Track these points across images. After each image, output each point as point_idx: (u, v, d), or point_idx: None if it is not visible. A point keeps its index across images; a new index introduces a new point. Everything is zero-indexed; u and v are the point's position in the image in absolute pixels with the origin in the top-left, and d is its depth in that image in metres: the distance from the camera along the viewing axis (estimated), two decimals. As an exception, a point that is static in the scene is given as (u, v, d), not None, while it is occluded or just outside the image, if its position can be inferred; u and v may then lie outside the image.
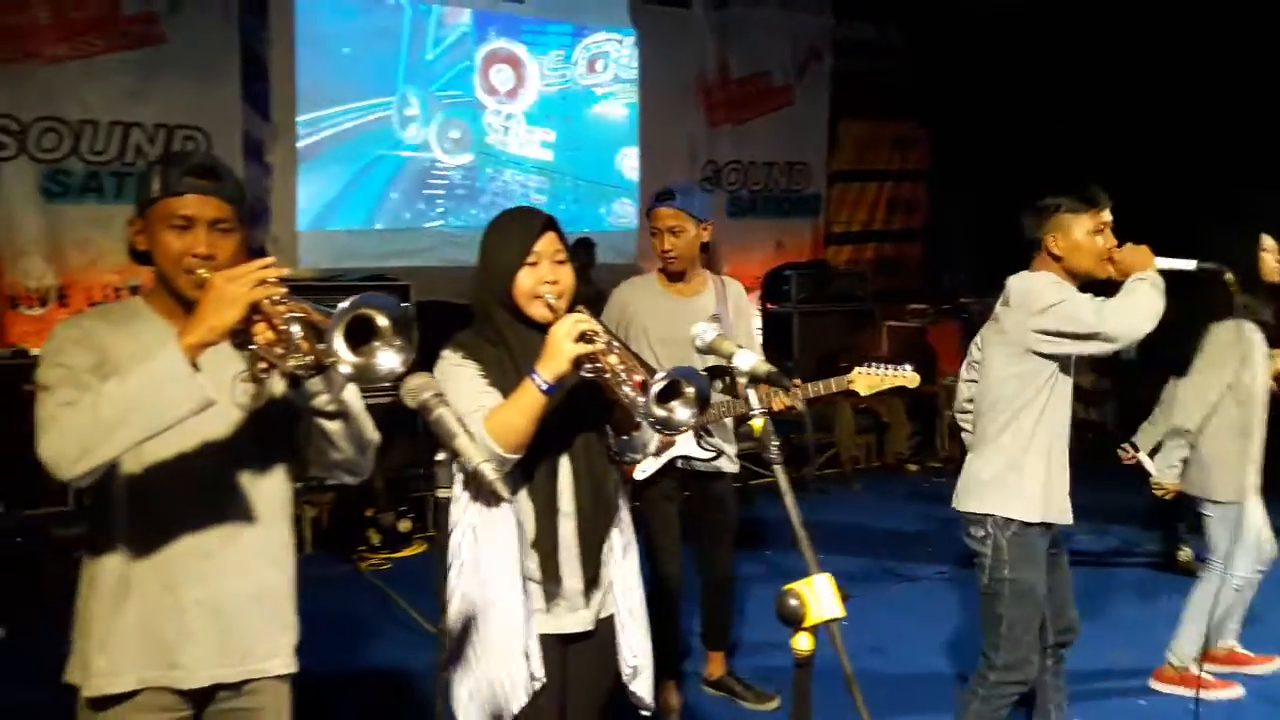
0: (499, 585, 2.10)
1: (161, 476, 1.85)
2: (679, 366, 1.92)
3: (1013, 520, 2.81)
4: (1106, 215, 2.79)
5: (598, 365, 1.96)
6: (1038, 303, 2.73)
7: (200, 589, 1.89)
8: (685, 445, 3.44)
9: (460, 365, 2.11)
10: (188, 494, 1.88)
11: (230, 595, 1.92)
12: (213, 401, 1.68)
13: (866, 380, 3.49)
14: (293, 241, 7.17)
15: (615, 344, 1.97)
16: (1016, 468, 2.81)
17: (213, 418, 1.82)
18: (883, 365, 3.52)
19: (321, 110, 7.31)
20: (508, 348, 2.12)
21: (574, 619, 2.18)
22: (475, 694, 2.12)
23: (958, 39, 8.97)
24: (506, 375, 2.07)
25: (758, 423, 1.78)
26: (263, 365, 1.71)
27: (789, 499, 1.68)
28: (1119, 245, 2.81)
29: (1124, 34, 7.86)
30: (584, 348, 1.93)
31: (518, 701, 2.09)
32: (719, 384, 3.47)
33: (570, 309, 2.06)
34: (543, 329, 2.04)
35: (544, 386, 1.96)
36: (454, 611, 2.13)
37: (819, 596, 1.60)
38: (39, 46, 6.11)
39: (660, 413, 1.85)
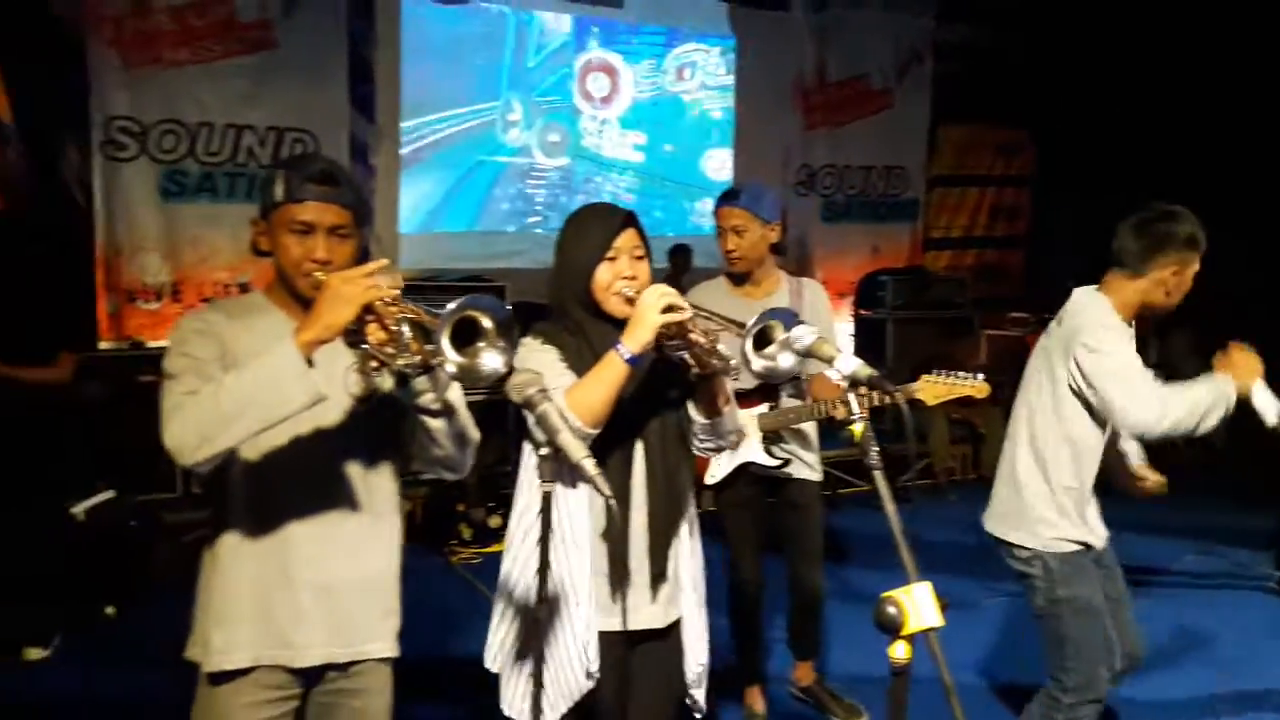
0: (564, 576, 2.09)
1: (277, 465, 1.93)
2: (772, 309, 1.92)
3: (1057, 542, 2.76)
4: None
5: (684, 340, 1.95)
6: (1093, 340, 2.66)
7: (312, 571, 1.97)
8: (751, 452, 3.39)
9: (541, 350, 2.12)
10: (302, 482, 1.96)
11: (340, 579, 1.99)
12: (325, 396, 1.75)
13: (933, 389, 3.32)
14: (395, 243, 7.35)
15: (701, 312, 1.97)
16: (1048, 492, 2.77)
17: (326, 411, 1.91)
18: (953, 373, 3.36)
19: (425, 115, 7.48)
20: (586, 339, 2.12)
21: (640, 615, 2.15)
22: (529, 687, 2.10)
23: (1065, 42, 8.73)
24: (585, 364, 2.07)
25: (858, 427, 1.77)
26: (373, 363, 1.78)
27: (889, 505, 1.65)
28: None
29: (1236, 35, 7.54)
30: (670, 317, 1.92)
31: (570, 697, 2.09)
32: (793, 388, 3.43)
33: None
34: (620, 324, 2.05)
35: (628, 356, 1.95)
36: (511, 602, 2.17)
37: (918, 605, 1.57)
38: (161, 52, 6.39)
39: (761, 362, 1.83)
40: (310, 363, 1.72)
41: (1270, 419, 2.61)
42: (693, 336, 1.95)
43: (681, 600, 2.22)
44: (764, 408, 3.39)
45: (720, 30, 8.55)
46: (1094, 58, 8.46)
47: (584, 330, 2.13)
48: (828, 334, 3.54)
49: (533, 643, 1.97)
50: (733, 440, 2.22)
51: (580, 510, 2.10)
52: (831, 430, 3.62)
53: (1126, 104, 8.25)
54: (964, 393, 3.33)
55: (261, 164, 6.74)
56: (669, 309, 1.92)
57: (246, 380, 1.73)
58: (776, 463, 3.41)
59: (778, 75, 8.70)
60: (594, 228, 2.14)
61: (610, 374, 1.96)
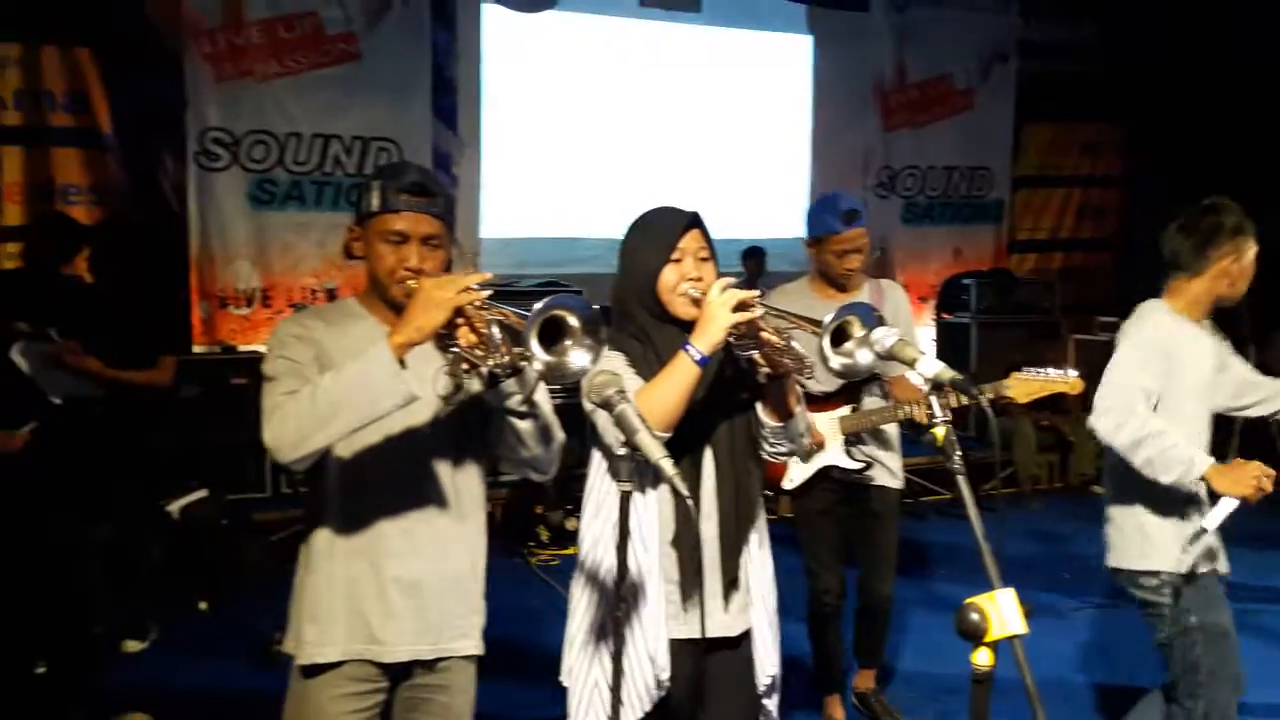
0: (635, 584, 2.07)
1: (369, 464, 1.98)
2: (850, 304, 1.89)
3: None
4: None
5: (755, 339, 1.93)
6: (1120, 351, 2.72)
7: (400, 568, 2.01)
8: (832, 455, 3.34)
9: (607, 355, 2.06)
10: (391, 481, 2.01)
11: (427, 576, 2.03)
12: (417, 397, 1.80)
13: (1024, 386, 3.26)
14: (475, 249, 7.46)
15: (771, 310, 1.94)
16: (1165, 516, 2.71)
17: (418, 413, 1.96)
18: (1044, 370, 3.29)
19: (504, 122, 7.58)
20: (651, 343, 2.11)
21: (713, 623, 2.11)
22: (597, 694, 2.11)
23: (1154, 34, 8.46)
24: (651, 369, 2.06)
25: (940, 431, 1.73)
26: (463, 365, 1.81)
27: (972, 510, 1.62)
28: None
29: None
30: (741, 316, 1.90)
31: (647, 703, 2.08)
32: (878, 390, 3.38)
33: None
34: (685, 327, 2.03)
35: (698, 357, 1.93)
36: (583, 606, 2.17)
37: (1002, 611, 1.54)
38: (252, 65, 6.60)
39: (839, 359, 1.81)
40: (403, 364, 1.76)
41: (1206, 523, 2.59)
42: (764, 335, 1.93)
43: (751, 610, 2.19)
44: (845, 410, 3.35)
45: (798, 31, 8.49)
46: (1185, 49, 8.18)
47: (649, 334, 2.12)
48: (909, 336, 3.49)
49: (605, 651, 1.97)
50: (804, 443, 2.19)
51: (650, 518, 2.08)
52: (914, 436, 3.56)
53: (1220, 97, 7.96)
54: (1057, 389, 3.26)
55: (348, 173, 6.91)
56: (739, 307, 1.90)
57: (342, 381, 1.78)
58: (859, 466, 3.36)
59: (856, 76, 8.61)
60: (658, 229, 2.13)
61: (680, 376, 1.94)
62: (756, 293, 1.97)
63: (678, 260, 2.09)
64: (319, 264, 6.89)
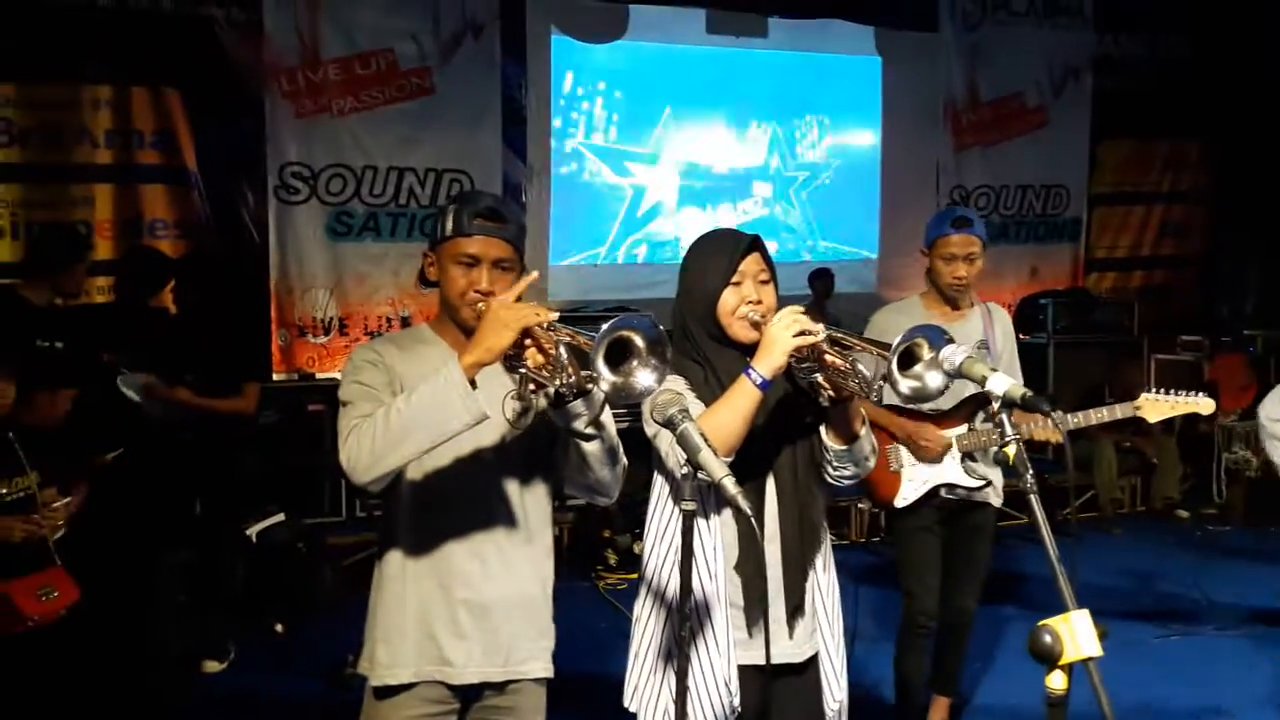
0: (699, 609, 2.06)
1: (439, 486, 2.02)
2: (918, 326, 1.86)
3: None
4: None
5: (818, 362, 1.91)
6: None
7: (470, 590, 2.03)
8: (950, 472, 3.32)
9: (669, 379, 2.08)
10: (460, 502, 2.03)
11: (496, 598, 2.05)
12: (488, 415, 1.82)
13: (1155, 406, 3.26)
14: (544, 275, 7.55)
15: (835, 335, 1.92)
16: None
17: (487, 434, 2.00)
18: (1173, 392, 3.29)
19: (574, 151, 7.68)
20: (711, 367, 2.11)
21: (778, 649, 2.09)
22: (669, 718, 2.09)
23: (1234, 47, 8.24)
24: (712, 392, 2.06)
25: (1011, 450, 1.70)
26: (531, 386, 1.84)
27: (1044, 529, 1.58)
28: None
29: None
30: (802, 340, 1.89)
31: None
32: (983, 412, 3.34)
33: None
34: (745, 349, 2.03)
35: (759, 381, 1.92)
36: (649, 632, 2.16)
37: (1076, 633, 1.49)
38: (329, 100, 6.79)
39: (907, 383, 1.80)
40: (474, 384, 1.79)
41: None
42: (827, 358, 1.92)
43: (817, 636, 2.17)
44: (963, 428, 3.35)
45: (866, 53, 8.46)
46: (1271, 62, 7.94)
47: (709, 358, 2.12)
48: (1010, 362, 3.47)
49: (677, 682, 1.96)
50: (868, 466, 2.16)
51: (715, 543, 2.07)
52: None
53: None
54: (1191, 409, 3.26)
55: (421, 204, 7.05)
56: (801, 333, 1.90)
57: (414, 402, 1.81)
58: (979, 483, 3.34)
59: (926, 96, 8.52)
60: (718, 253, 2.13)
61: (742, 400, 1.94)
62: (820, 327, 1.95)
63: (738, 283, 2.09)
64: (394, 293, 7.03)
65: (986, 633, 4.48)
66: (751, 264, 2.11)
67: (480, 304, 1.96)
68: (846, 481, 2.17)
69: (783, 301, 2.13)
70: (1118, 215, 9.23)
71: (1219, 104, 8.58)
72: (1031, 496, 1.63)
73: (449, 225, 2.02)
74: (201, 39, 6.47)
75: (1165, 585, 5.44)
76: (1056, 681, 1.53)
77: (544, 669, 2.12)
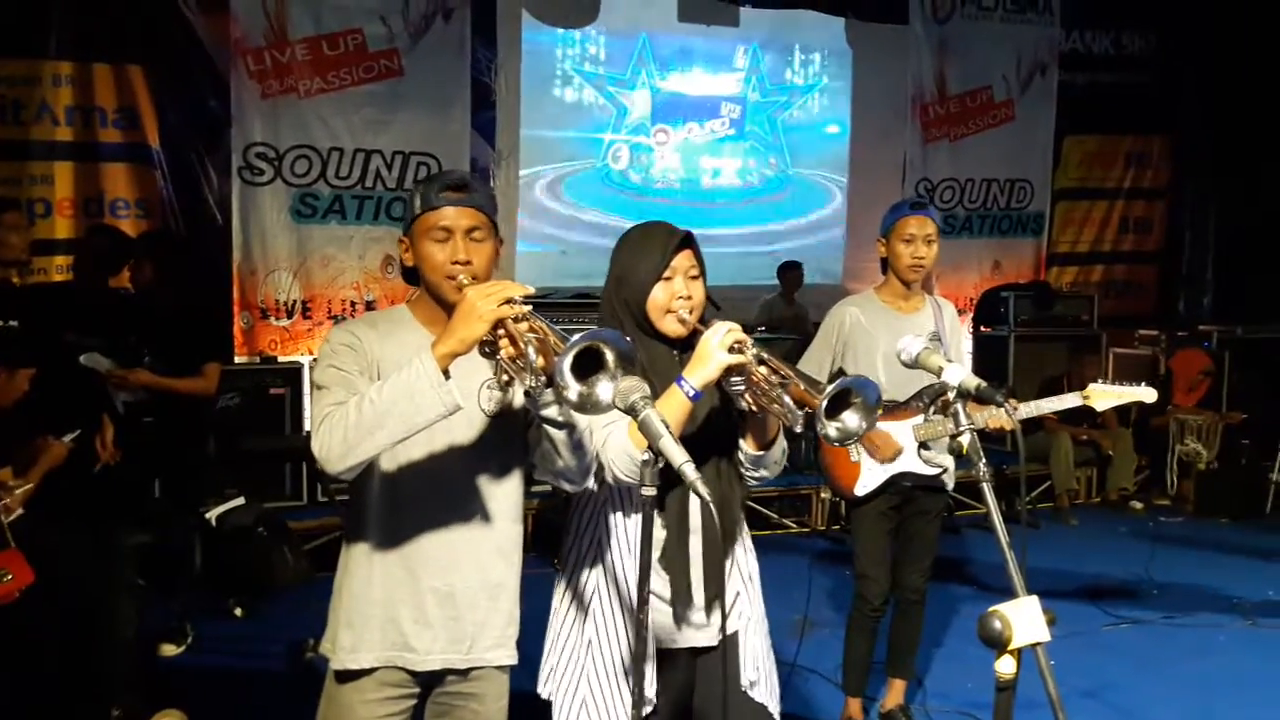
0: (622, 601, 2.11)
1: (412, 473, 2.01)
2: (850, 376, 1.89)
3: None
4: None
5: (745, 379, 1.93)
6: None
7: (438, 577, 2.03)
8: (909, 461, 3.38)
9: None
10: (431, 490, 2.03)
11: (464, 587, 2.05)
12: (461, 406, 1.82)
13: (1103, 395, 3.39)
14: (510, 261, 7.53)
15: (765, 356, 1.94)
16: None
17: (460, 423, 1.99)
18: (1119, 382, 3.45)
19: (543, 138, 7.65)
20: (639, 361, 2.12)
21: (698, 634, 2.17)
22: (584, 712, 2.13)
23: (1199, 45, 8.37)
24: None
25: (965, 439, 1.73)
26: (504, 376, 1.83)
27: (996, 516, 1.62)
28: None
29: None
30: (735, 358, 1.91)
31: (635, 715, 2.07)
32: (934, 403, 3.38)
33: (750, 330, 2.04)
34: (671, 344, 2.05)
35: (691, 393, 1.94)
36: (567, 621, 2.20)
37: (1025, 619, 1.53)
38: (296, 81, 6.73)
39: (832, 427, 1.81)
40: (447, 374, 1.78)
41: None
42: (754, 376, 1.93)
43: (734, 615, 2.23)
44: (919, 418, 3.40)
45: (836, 44, 8.50)
46: (1234, 60, 8.08)
47: (637, 348, 2.13)
48: (957, 355, 3.51)
49: (592, 667, 1.99)
50: (778, 470, 2.21)
51: (637, 534, 2.09)
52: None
53: (1269, 107, 7.84)
54: (1135, 398, 3.39)
55: (388, 187, 7.01)
56: (734, 348, 1.92)
57: (387, 392, 1.80)
58: (936, 471, 3.40)
59: (895, 89, 8.59)
60: (651, 246, 2.13)
61: (674, 408, 1.95)
62: (751, 343, 1.95)
63: (669, 278, 2.11)
64: (358, 276, 6.99)
65: (941, 618, 4.55)
66: (683, 260, 2.12)
67: (461, 275, 1.95)
68: (755, 481, 2.22)
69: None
70: (1080, 210, 9.35)
71: (1182, 101, 8.71)
72: (984, 485, 1.67)
73: (417, 203, 2.02)
74: (166, 15, 6.38)
75: (1118, 574, 5.55)
76: (1005, 666, 1.57)
77: (508, 657, 2.12)
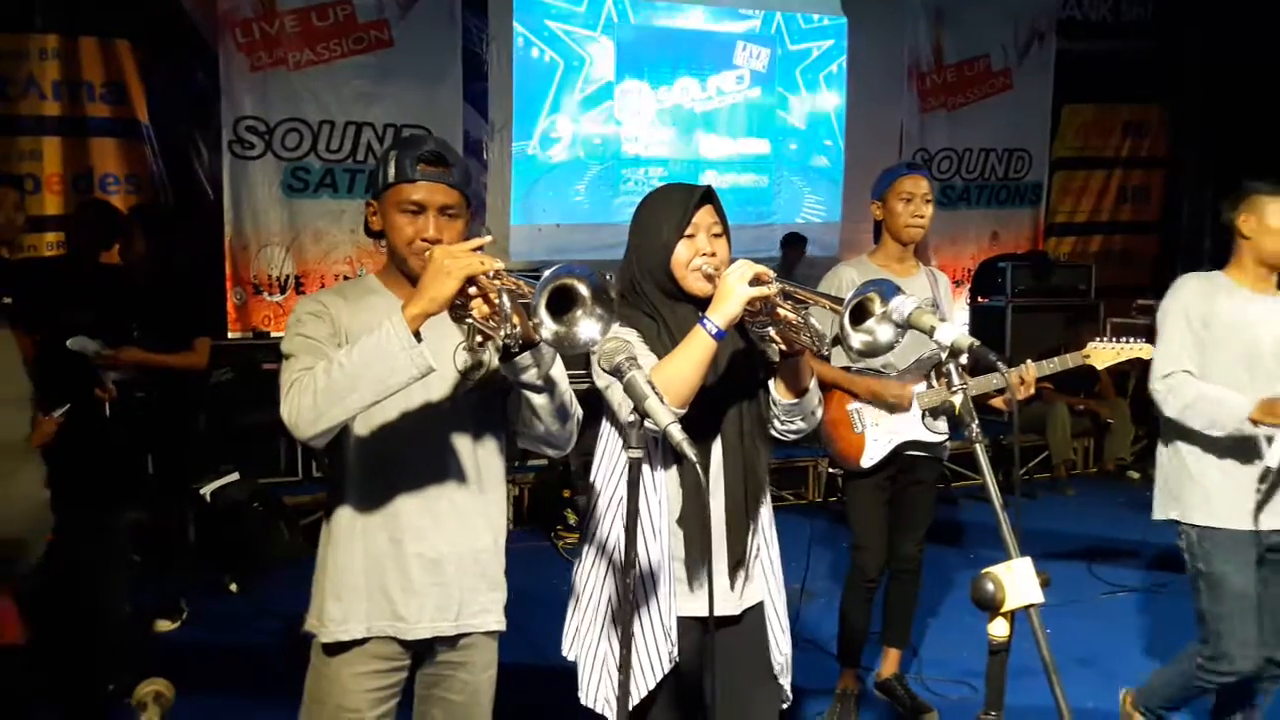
0: (641, 561, 2.05)
1: (388, 440, 1.98)
2: (871, 280, 1.86)
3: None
4: None
5: (770, 316, 1.90)
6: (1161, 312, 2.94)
7: (422, 544, 2.01)
8: (912, 429, 3.36)
9: (622, 330, 2.07)
10: (411, 457, 2.00)
11: (449, 552, 2.03)
12: (433, 368, 1.78)
13: (1103, 354, 3.36)
14: (505, 235, 7.48)
15: (789, 287, 1.91)
16: (1191, 471, 2.90)
17: (437, 387, 1.96)
18: (1118, 339, 3.39)
19: (536, 110, 7.58)
20: (663, 320, 2.09)
21: (719, 601, 2.10)
22: (607, 671, 2.10)
23: (1199, 13, 8.28)
24: (663, 345, 2.04)
25: (958, 400, 1.70)
26: (479, 338, 1.80)
27: (988, 477, 1.59)
28: None
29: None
30: (758, 290, 1.87)
31: (651, 680, 2.06)
32: (935, 369, 3.37)
33: None
34: (698, 304, 2.01)
35: (714, 331, 1.90)
36: (591, 581, 2.16)
37: (1018, 581, 1.51)
38: (285, 53, 6.65)
39: (859, 337, 1.80)
40: (418, 336, 1.75)
41: (1270, 462, 2.75)
42: (780, 312, 1.90)
43: (758, 588, 2.18)
44: (922, 386, 3.38)
45: (832, 12, 8.41)
46: (1230, 26, 7.99)
47: (662, 311, 2.10)
48: (952, 321, 3.49)
49: (621, 630, 1.95)
50: (815, 419, 2.16)
51: (658, 496, 2.07)
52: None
53: (1269, 74, 7.76)
54: (1136, 354, 3.37)
55: (387, 149, 6.93)
56: (755, 282, 1.88)
57: (357, 355, 1.77)
58: (941, 437, 3.38)
59: (891, 57, 8.51)
60: (671, 205, 2.10)
61: (697, 350, 1.92)
62: (774, 277, 1.93)
63: (691, 236, 2.07)
64: (351, 250, 6.94)
65: (937, 588, 4.55)
66: (705, 216, 2.08)
67: (428, 252, 1.90)
68: (793, 435, 2.17)
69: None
70: (1078, 180, 9.29)
71: (1179, 70, 8.63)
72: (977, 446, 1.64)
73: (391, 172, 1.97)
74: (153, -13, 6.31)
75: (1115, 543, 5.54)
76: (998, 629, 1.54)
77: (497, 622, 2.10)
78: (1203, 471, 2.87)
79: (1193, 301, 2.87)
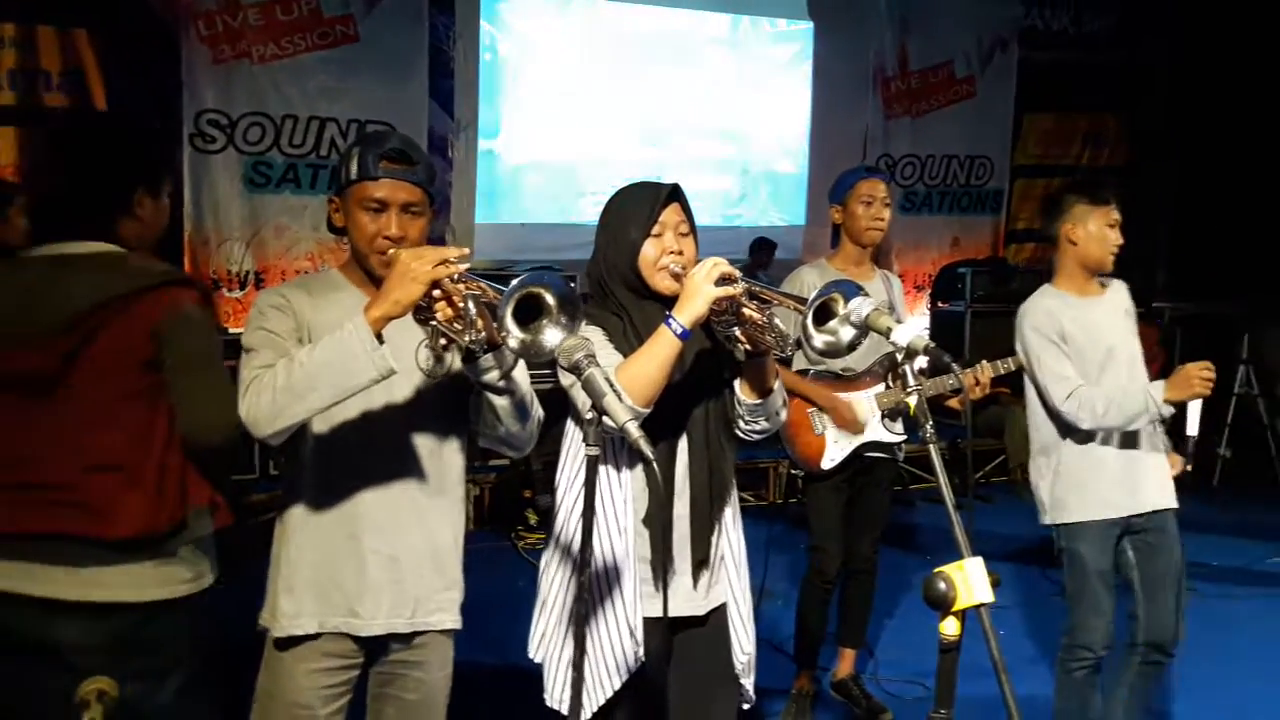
0: (606, 562, 2.06)
1: (348, 438, 1.97)
2: (834, 281, 1.88)
3: None
4: (1115, 214, 3.05)
5: (736, 315, 1.91)
6: (1023, 336, 3.03)
7: (379, 542, 2.00)
8: (873, 430, 3.40)
9: (587, 330, 2.04)
10: (371, 454, 1.99)
11: (405, 549, 2.02)
12: (394, 371, 1.78)
13: None
14: (469, 233, 7.45)
15: (754, 287, 1.92)
16: (1049, 475, 3.02)
17: (399, 385, 1.95)
18: None
19: (503, 107, 7.55)
20: (630, 319, 2.09)
21: (680, 602, 2.11)
22: (571, 676, 2.09)
23: (1158, 25, 8.43)
24: (630, 344, 2.04)
25: (913, 400, 1.72)
26: (442, 340, 1.80)
27: (941, 476, 1.61)
28: None
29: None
30: (724, 290, 1.87)
31: (616, 681, 2.06)
32: (893, 371, 3.41)
33: None
34: (665, 303, 2.01)
35: (679, 330, 1.89)
36: (556, 584, 2.16)
37: (970, 580, 1.53)
38: (249, 46, 6.58)
39: (821, 338, 1.82)
40: (380, 338, 1.74)
41: (1191, 430, 2.88)
42: (745, 311, 1.91)
43: (722, 589, 2.18)
44: (880, 387, 3.42)
45: (798, 17, 8.46)
46: (1189, 39, 8.15)
47: (629, 310, 2.09)
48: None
49: (575, 629, 1.96)
50: (779, 420, 2.17)
51: (623, 495, 2.07)
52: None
53: (1224, 87, 7.93)
54: None
55: (350, 145, 6.86)
56: (722, 281, 1.88)
57: (318, 356, 1.76)
58: (900, 438, 3.43)
59: (857, 63, 8.58)
60: (638, 203, 2.09)
61: (662, 349, 1.91)
62: (740, 275, 1.94)
63: (658, 234, 2.07)
64: (313, 247, 6.88)
65: (892, 588, 4.58)
66: (671, 215, 2.08)
67: (390, 251, 1.90)
68: (757, 436, 2.18)
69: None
70: (1039, 187, 9.40)
71: (1139, 79, 8.78)
72: (931, 446, 1.66)
73: (354, 169, 1.96)
74: (112, -24, 6.22)
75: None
76: (949, 628, 1.56)
77: (452, 621, 2.10)
78: (1080, 473, 2.97)
79: (1044, 322, 2.97)
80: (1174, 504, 3.00)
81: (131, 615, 1.88)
